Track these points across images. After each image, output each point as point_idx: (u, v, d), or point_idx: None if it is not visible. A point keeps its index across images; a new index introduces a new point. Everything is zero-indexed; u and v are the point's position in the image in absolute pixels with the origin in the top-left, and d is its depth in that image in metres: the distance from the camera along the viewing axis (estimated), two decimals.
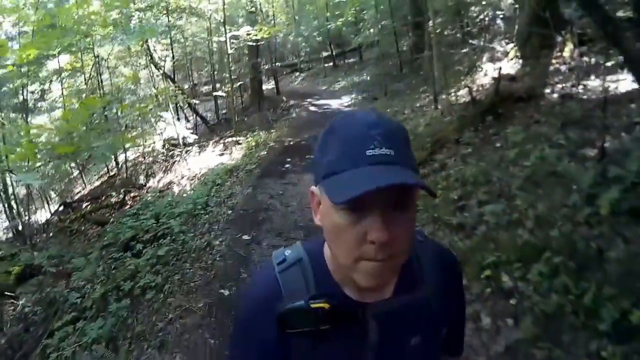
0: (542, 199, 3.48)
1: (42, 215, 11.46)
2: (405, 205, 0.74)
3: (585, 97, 5.63)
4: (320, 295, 0.83)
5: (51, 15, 8.64)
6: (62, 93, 12.28)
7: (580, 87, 5.98)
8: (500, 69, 6.18)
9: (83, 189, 12.86)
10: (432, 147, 5.34)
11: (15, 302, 5.65)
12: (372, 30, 14.78)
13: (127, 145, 9.39)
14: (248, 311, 0.91)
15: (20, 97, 10.40)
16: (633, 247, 2.85)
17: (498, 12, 11.93)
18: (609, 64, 6.12)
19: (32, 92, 12.06)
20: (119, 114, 10.15)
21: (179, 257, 4.52)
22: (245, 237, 4.84)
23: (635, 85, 5.01)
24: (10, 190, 9.36)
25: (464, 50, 11.53)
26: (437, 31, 9.12)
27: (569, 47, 7.53)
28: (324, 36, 18.75)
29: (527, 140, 4.60)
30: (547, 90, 6.27)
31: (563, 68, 6.93)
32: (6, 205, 10.14)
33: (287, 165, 7.67)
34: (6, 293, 6.00)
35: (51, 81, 12.56)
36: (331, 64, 20.30)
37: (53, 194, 13.43)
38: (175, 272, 4.21)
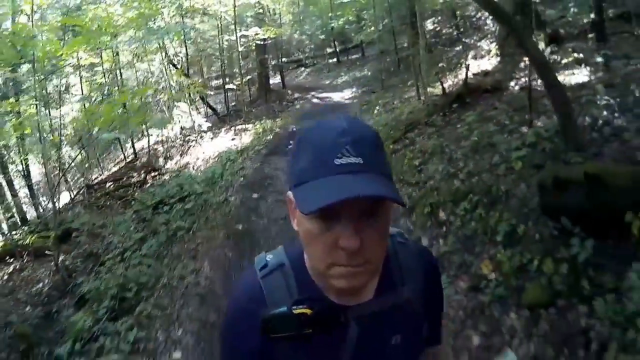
0: (476, 160, 4.77)
1: (64, 199, 12.74)
2: (376, 212, 0.77)
3: (540, 88, 6.89)
4: (302, 300, 0.87)
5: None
6: (82, 87, 13.62)
7: (539, 80, 7.24)
8: (468, 65, 7.45)
9: (101, 174, 14.18)
10: (407, 128, 6.64)
11: (53, 260, 6.94)
12: (372, 28, 15.98)
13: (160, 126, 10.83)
14: (232, 316, 0.96)
15: (50, 89, 11.76)
16: (531, 189, 4.11)
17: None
18: (564, 61, 7.40)
19: (56, 86, 13.38)
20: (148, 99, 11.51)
21: (202, 209, 5.87)
22: (255, 195, 6.21)
23: (585, 78, 6.26)
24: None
25: (457, 48, 12.80)
26: (428, 30, 10.36)
27: (540, 46, 8.78)
28: (327, 34, 20.05)
29: (479, 121, 5.87)
30: (512, 83, 7.52)
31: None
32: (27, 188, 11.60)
33: (290, 146, 9.00)
34: (47, 252, 7.36)
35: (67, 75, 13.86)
36: (335, 60, 21.61)
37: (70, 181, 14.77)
38: (200, 217, 5.56)
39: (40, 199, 12.78)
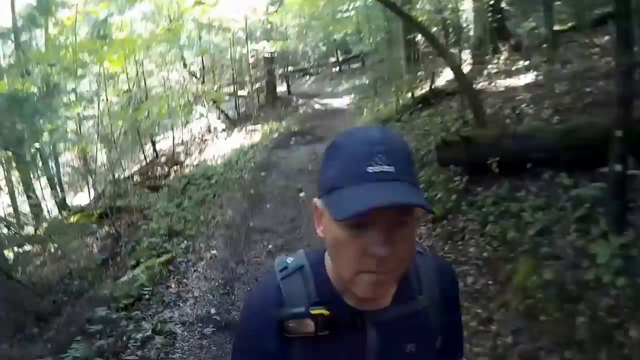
0: (420, 140, 6.79)
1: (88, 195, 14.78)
2: (406, 221, 0.80)
3: (493, 90, 8.87)
4: (320, 302, 0.90)
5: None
6: (105, 91, 15.79)
7: (493, 84, 9.23)
8: (434, 73, 9.48)
9: (123, 172, 16.28)
10: (381, 123, 8.68)
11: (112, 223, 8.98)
12: (371, 39, 18.01)
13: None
14: (250, 316, 0.98)
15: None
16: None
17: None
18: (514, 68, 9.37)
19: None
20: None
21: (224, 183, 7.96)
22: (263, 173, 8.35)
23: (528, 80, 8.13)
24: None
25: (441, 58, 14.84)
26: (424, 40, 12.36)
27: (504, 55, 10.79)
28: (329, 45, 22.20)
29: (433, 115, 7.90)
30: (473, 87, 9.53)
31: (494, 70, 10.13)
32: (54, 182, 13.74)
33: (292, 142, 11.12)
34: (93, 225, 9.39)
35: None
36: (337, 69, 23.76)
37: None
38: (222, 188, 7.65)
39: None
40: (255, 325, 0.95)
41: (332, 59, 24.40)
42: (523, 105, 6.56)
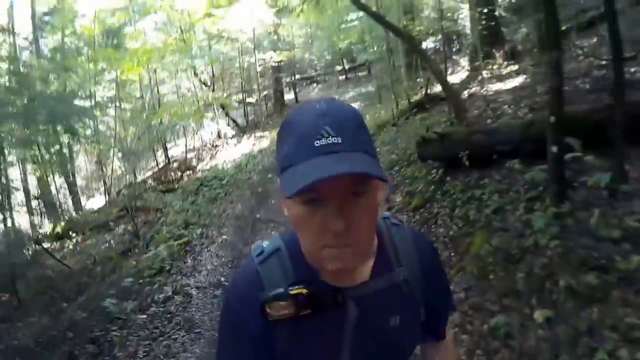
0: (409, 140, 7.52)
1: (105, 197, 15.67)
2: (361, 192, 0.82)
3: (483, 93, 9.58)
4: (298, 282, 0.93)
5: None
6: (118, 97, 16.73)
7: (485, 88, 9.94)
8: (429, 79, 10.21)
9: (136, 177, 17.17)
10: (379, 126, 9.43)
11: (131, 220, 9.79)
12: (375, 48, 18.81)
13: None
14: (232, 302, 1.02)
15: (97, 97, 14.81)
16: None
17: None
18: (505, 72, 10.06)
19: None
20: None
21: (234, 183, 8.76)
22: (269, 175, 9.12)
23: (516, 83, 8.84)
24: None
25: (443, 65, 15.61)
26: (429, 48, 13.14)
27: (499, 60, 11.48)
28: (334, 54, 23.06)
29: (427, 118, 8.63)
30: (466, 92, 10.25)
31: (488, 75, 10.83)
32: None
33: None
34: (110, 222, 10.22)
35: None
36: (344, 77, 24.59)
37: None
38: (232, 187, 8.45)
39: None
40: (238, 310, 0.98)
41: (339, 67, 25.26)
42: (504, 106, 7.27)
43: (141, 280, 5.32)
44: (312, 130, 0.81)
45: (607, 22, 3.94)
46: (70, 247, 9.80)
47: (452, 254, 4.30)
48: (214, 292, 4.98)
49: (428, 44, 19.65)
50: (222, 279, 5.26)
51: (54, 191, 14.28)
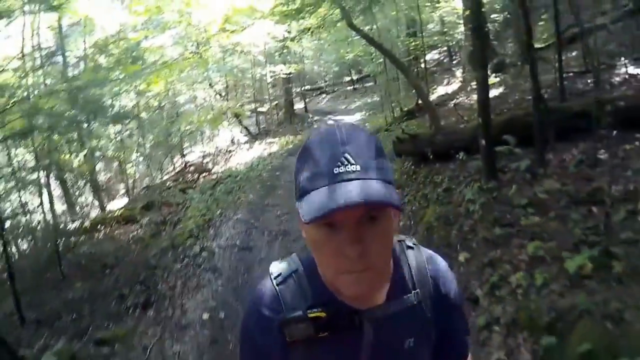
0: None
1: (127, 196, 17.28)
2: (376, 217, 0.86)
3: (466, 102, 11.10)
4: (316, 304, 0.97)
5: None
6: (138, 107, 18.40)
7: (469, 98, 11.46)
8: (421, 88, 11.75)
9: (154, 179, 18.84)
10: (375, 132, 10.99)
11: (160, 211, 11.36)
12: (380, 60, 20.41)
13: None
14: (250, 323, 1.06)
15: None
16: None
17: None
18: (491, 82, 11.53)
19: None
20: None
21: (246, 179, 10.39)
22: (277, 173, 10.73)
23: (496, 93, 10.36)
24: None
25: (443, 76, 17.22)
26: (431, 59, 14.72)
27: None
28: (342, 66, 24.75)
29: (413, 124, 10.17)
30: (453, 101, 11.79)
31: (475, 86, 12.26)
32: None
33: None
34: (136, 216, 11.79)
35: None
36: (351, 87, 26.26)
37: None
38: (245, 182, 10.08)
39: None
40: (257, 331, 1.04)
41: (347, 78, 26.95)
42: (476, 114, 8.80)
43: (175, 244, 6.97)
44: (331, 157, 0.86)
45: (529, 64, 5.49)
46: (101, 237, 11.35)
47: (412, 223, 5.83)
48: (231, 251, 6.72)
49: (433, 55, 21.33)
50: (238, 242, 6.99)
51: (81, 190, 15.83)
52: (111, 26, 15.83)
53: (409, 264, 1.08)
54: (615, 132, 5.35)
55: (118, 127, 15.10)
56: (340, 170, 0.85)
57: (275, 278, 1.05)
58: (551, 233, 4.35)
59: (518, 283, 3.94)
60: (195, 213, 8.76)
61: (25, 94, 7.55)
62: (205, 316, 5.21)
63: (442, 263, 1.16)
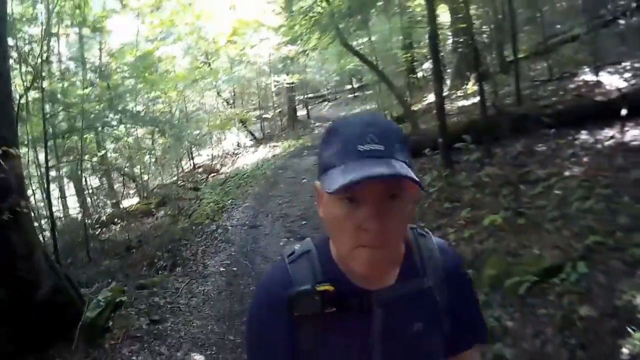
0: None
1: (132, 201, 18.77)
2: (397, 195, 0.91)
3: (450, 108, 12.59)
4: (326, 280, 1.02)
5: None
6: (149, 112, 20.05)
7: (454, 105, 12.96)
8: (407, 97, 13.31)
9: (163, 180, 20.35)
10: None
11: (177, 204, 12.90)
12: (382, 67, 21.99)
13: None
14: (259, 298, 1.12)
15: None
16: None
17: None
18: (469, 91, 13.04)
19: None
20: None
21: (252, 177, 12.00)
22: (280, 171, 12.31)
23: (476, 100, 11.88)
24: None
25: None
26: (425, 68, 16.27)
27: (471, 82, 14.44)
28: (344, 75, 26.38)
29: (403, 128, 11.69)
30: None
31: (461, 94, 13.78)
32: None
33: (304, 153, 15.20)
34: (151, 209, 13.34)
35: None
36: (352, 95, 27.88)
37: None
38: (252, 178, 11.70)
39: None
40: (264, 305, 1.09)
41: (348, 86, 28.58)
42: (454, 118, 10.33)
43: (194, 224, 8.57)
44: (357, 136, 0.92)
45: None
46: (118, 229, 12.80)
47: None
48: (242, 228, 8.32)
49: (430, 64, 22.79)
50: (247, 222, 8.58)
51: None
52: (127, 36, 17.41)
53: (420, 250, 1.12)
54: (553, 130, 6.95)
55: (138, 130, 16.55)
56: (366, 148, 0.90)
57: (288, 257, 1.11)
58: (485, 204, 5.89)
59: (454, 238, 5.47)
60: (209, 202, 10.34)
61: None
62: (222, 269, 6.80)
63: (452, 251, 1.21)
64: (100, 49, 17.52)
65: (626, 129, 6.44)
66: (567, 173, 6.01)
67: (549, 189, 5.79)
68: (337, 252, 1.04)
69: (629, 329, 3.53)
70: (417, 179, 0.89)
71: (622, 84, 7.55)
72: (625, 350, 3.48)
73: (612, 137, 6.60)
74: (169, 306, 5.74)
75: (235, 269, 6.76)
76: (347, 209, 0.92)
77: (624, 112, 6.19)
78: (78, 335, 4.70)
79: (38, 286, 4.60)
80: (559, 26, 13.18)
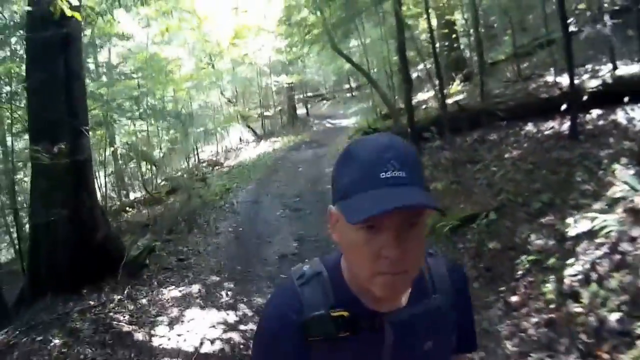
0: None
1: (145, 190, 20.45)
2: (416, 222, 0.92)
3: (432, 106, 14.31)
4: (339, 305, 1.02)
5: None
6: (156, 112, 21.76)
7: (437, 102, 14.65)
8: (396, 97, 15.04)
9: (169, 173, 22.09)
10: (357, 130, 14.31)
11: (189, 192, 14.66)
12: (376, 69, 23.61)
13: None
14: (269, 322, 1.10)
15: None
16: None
17: None
18: (452, 91, 14.75)
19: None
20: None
21: (255, 166, 13.80)
22: (280, 162, 14.12)
23: (457, 98, 13.62)
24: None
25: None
26: (421, 69, 17.95)
27: (457, 82, 16.11)
28: (341, 75, 28.11)
29: (387, 124, 13.43)
30: (423, 106, 15.01)
31: (446, 93, 15.45)
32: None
33: (302, 147, 17.01)
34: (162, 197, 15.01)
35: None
36: (350, 94, 29.63)
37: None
38: (254, 167, 13.49)
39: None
40: (275, 330, 1.07)
41: (346, 86, 30.36)
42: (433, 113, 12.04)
43: (206, 201, 10.42)
44: (377, 162, 0.91)
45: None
46: (129, 216, 14.31)
47: None
48: (246, 204, 10.12)
49: (426, 65, 24.47)
50: (250, 199, 10.41)
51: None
52: (135, 38, 18.97)
53: (431, 271, 1.15)
54: (505, 122, 8.67)
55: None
56: (388, 175, 0.89)
57: (297, 279, 1.10)
58: (437, 178, 7.64)
59: None
60: (217, 185, 12.14)
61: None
62: (230, 230, 8.61)
63: (460, 270, 1.27)
64: (109, 50, 19.28)
65: (564, 121, 8.04)
66: (506, 155, 7.72)
67: (487, 167, 7.52)
68: (355, 277, 1.04)
69: (522, 257, 5.17)
70: (438, 206, 0.91)
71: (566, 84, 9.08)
72: (519, 272, 5.12)
73: (552, 128, 8.28)
74: (190, 252, 7.61)
75: (240, 229, 8.59)
76: (366, 236, 0.92)
77: (563, 107, 7.64)
78: (122, 270, 6.43)
79: (96, 232, 6.36)
80: (543, 30, 14.49)
